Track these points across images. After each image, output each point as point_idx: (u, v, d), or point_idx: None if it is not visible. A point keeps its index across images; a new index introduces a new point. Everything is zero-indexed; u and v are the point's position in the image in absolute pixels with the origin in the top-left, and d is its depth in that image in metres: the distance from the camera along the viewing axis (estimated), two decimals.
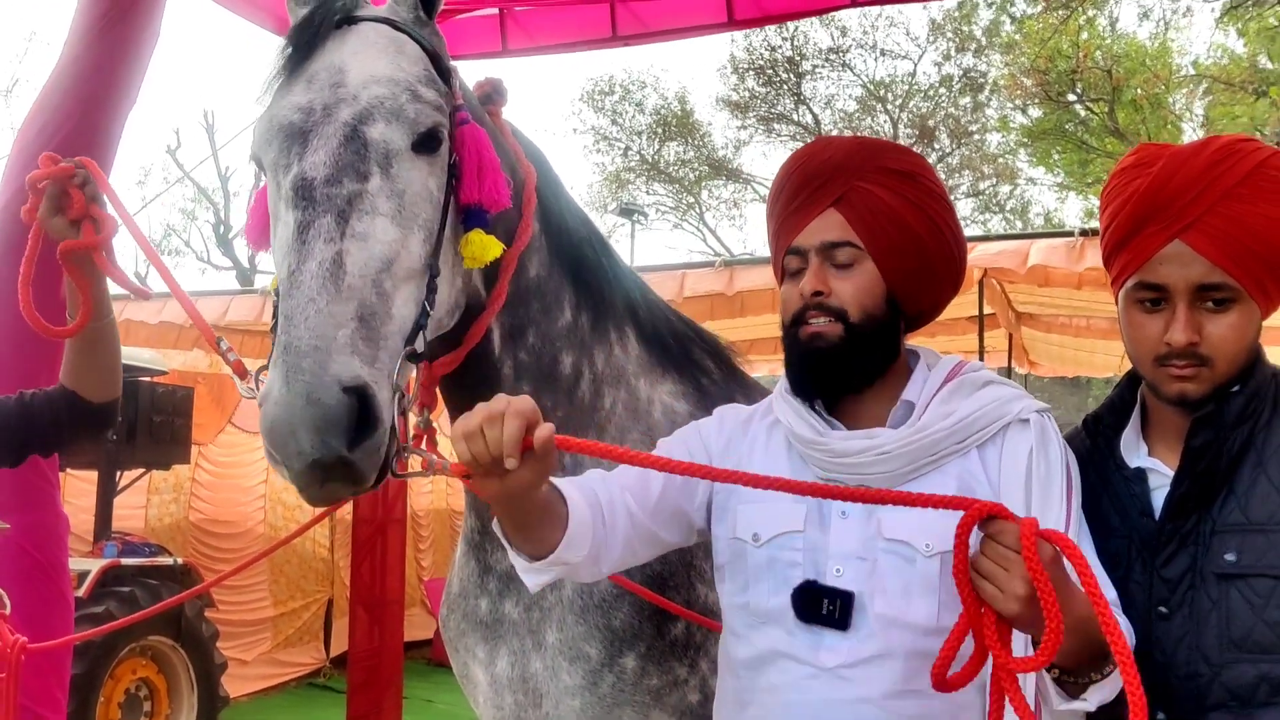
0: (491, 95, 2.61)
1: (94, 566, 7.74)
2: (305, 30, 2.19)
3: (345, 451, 1.81)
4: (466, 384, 2.49)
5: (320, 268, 1.92)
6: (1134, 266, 2.01)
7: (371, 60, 2.14)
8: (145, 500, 10.13)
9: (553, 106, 70.35)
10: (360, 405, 1.83)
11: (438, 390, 2.54)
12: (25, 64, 37.99)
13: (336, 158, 2.02)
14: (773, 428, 2.16)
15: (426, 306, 2.06)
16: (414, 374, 2.07)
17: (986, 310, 9.52)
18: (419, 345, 2.04)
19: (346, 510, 10.03)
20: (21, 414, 2.64)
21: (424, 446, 2.55)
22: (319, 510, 2.79)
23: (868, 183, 2.05)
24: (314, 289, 1.90)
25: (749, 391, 2.93)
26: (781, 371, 2.17)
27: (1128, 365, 2.18)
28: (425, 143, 2.11)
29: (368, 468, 1.87)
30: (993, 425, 2.00)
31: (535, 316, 2.53)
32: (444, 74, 2.26)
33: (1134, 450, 2.09)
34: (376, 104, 2.08)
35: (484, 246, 2.20)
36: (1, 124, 27.64)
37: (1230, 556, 1.90)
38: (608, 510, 2.03)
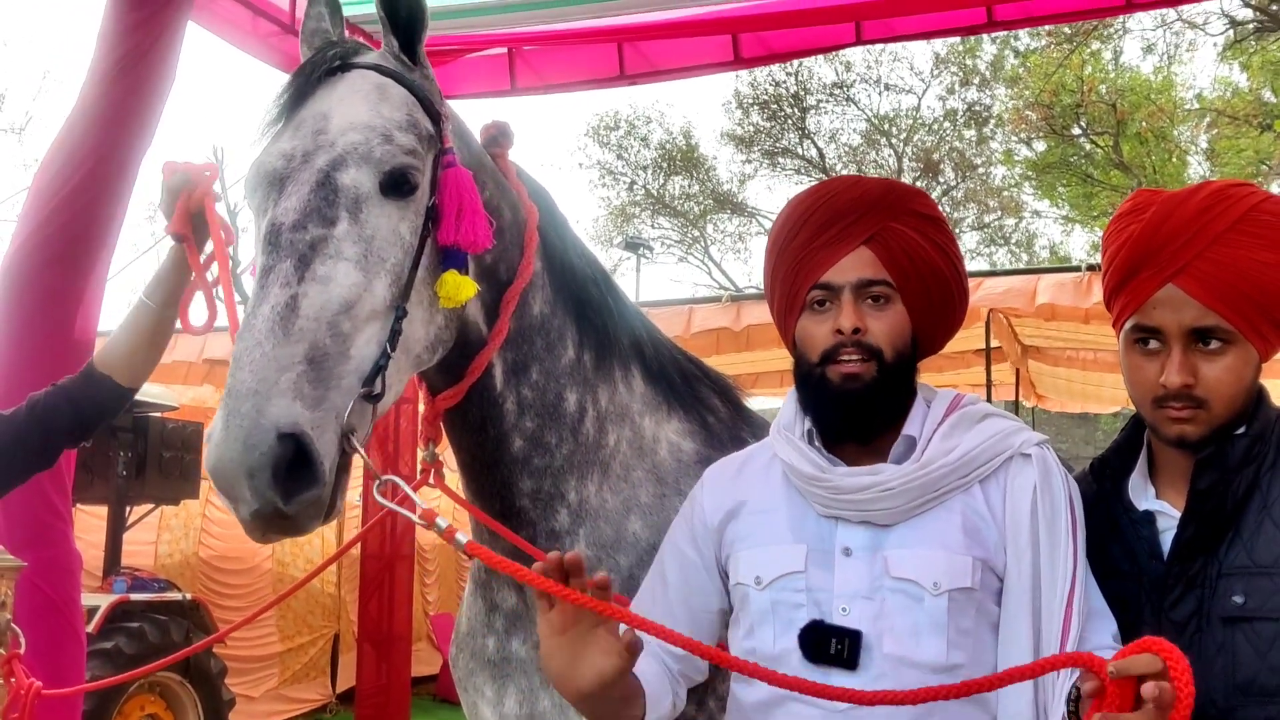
0: (497, 138, 2.66)
1: (103, 602, 7.73)
2: (299, 77, 2.27)
3: (281, 504, 1.87)
4: (469, 419, 2.52)
5: (273, 311, 1.96)
6: (1130, 309, 2.03)
7: (353, 106, 2.20)
8: (155, 536, 10.13)
9: (559, 141, 70.67)
10: (296, 453, 1.87)
11: (441, 424, 2.57)
12: (39, 102, 38.14)
13: (305, 203, 2.08)
14: (770, 465, 2.15)
15: (387, 348, 2.08)
16: (370, 417, 2.07)
17: (993, 344, 9.53)
18: (378, 387, 2.05)
19: (354, 546, 10.05)
20: (32, 416, 2.65)
21: (430, 480, 2.59)
22: (331, 551, 2.81)
23: (900, 224, 2.06)
24: (263, 332, 1.94)
25: (757, 430, 2.93)
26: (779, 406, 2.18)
27: None
28: (396, 186, 2.15)
29: (305, 520, 1.92)
30: (995, 459, 2.00)
31: (539, 353, 2.56)
32: (433, 118, 2.30)
33: (1141, 493, 2.10)
34: (350, 149, 2.13)
35: (458, 287, 2.21)
36: (14, 161, 27.77)
37: (1237, 599, 1.90)
38: (664, 656, 2.09)
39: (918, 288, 2.05)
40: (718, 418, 2.90)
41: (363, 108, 2.20)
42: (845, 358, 2.00)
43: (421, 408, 2.61)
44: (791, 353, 2.15)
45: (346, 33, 2.59)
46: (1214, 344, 1.96)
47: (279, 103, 2.26)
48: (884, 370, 2.00)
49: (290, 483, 1.88)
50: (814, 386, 2.05)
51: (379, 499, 2.00)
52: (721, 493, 2.20)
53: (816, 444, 2.07)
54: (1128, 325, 2.05)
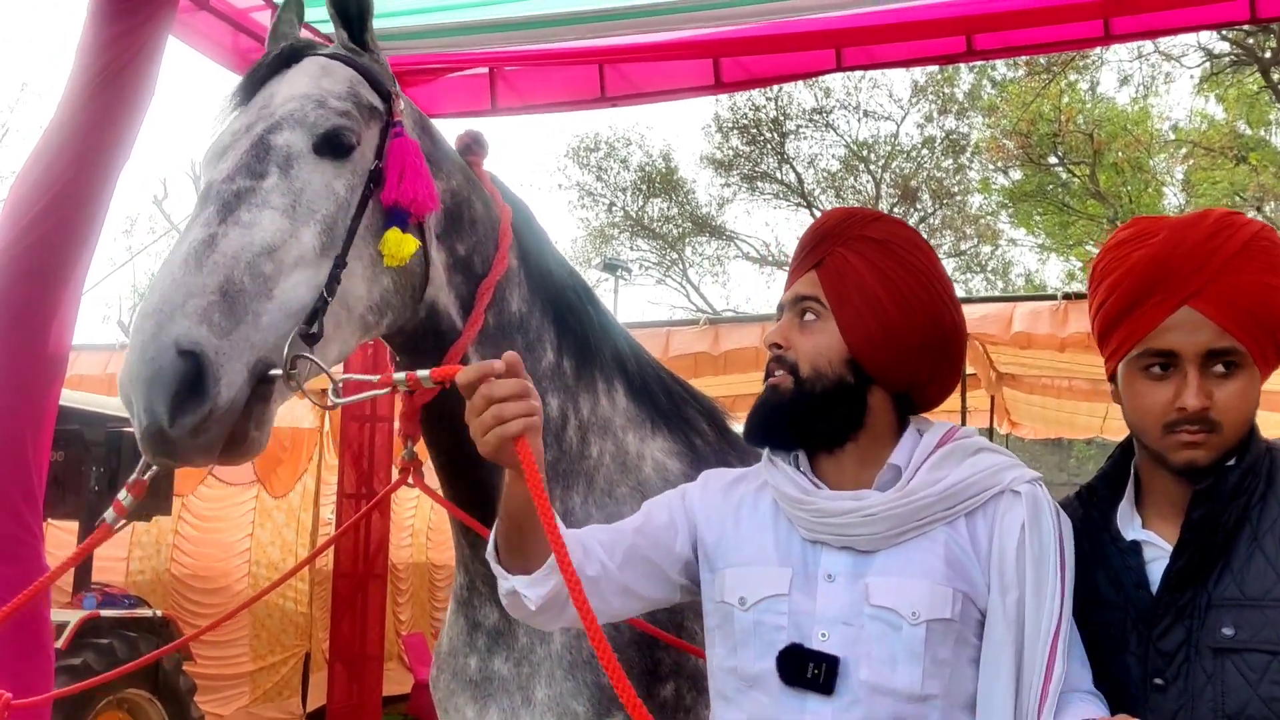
0: (471, 146, 2.73)
1: (73, 618, 7.66)
2: (254, 69, 2.39)
3: (165, 425, 1.87)
4: (446, 415, 2.50)
5: (190, 247, 2.03)
6: (1139, 335, 2.03)
7: (296, 83, 2.31)
8: (127, 552, 10.07)
9: (538, 162, 70.79)
10: (194, 372, 1.89)
11: (419, 423, 2.57)
12: (16, 114, 38.00)
13: (238, 161, 2.17)
14: (760, 490, 2.17)
15: (325, 294, 2.12)
16: (310, 357, 2.07)
17: (969, 370, 9.57)
18: (315, 328, 2.09)
19: (325, 563, 9.97)
20: None
21: (410, 480, 2.59)
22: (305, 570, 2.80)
23: (845, 249, 2.10)
24: (176, 263, 2.00)
25: (744, 455, 2.93)
26: None
27: (1109, 426, 2.21)
28: (330, 146, 2.24)
29: (190, 447, 1.92)
30: (982, 494, 2.00)
31: (519, 352, 2.56)
32: (383, 95, 2.39)
33: (1129, 522, 2.10)
34: (287, 115, 2.24)
35: (399, 244, 2.26)
36: None
37: (1227, 631, 1.91)
38: (586, 549, 2.07)
39: (849, 309, 2.07)
40: (705, 440, 2.91)
41: (304, 82, 2.31)
42: (772, 371, 2.10)
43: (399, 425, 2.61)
44: None
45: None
46: (1227, 367, 1.98)
47: (234, 94, 2.37)
48: (799, 384, 2.06)
49: (183, 401, 1.89)
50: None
51: (336, 399, 2.00)
52: (713, 495, 2.22)
53: (804, 469, 2.09)
54: (1135, 352, 2.04)
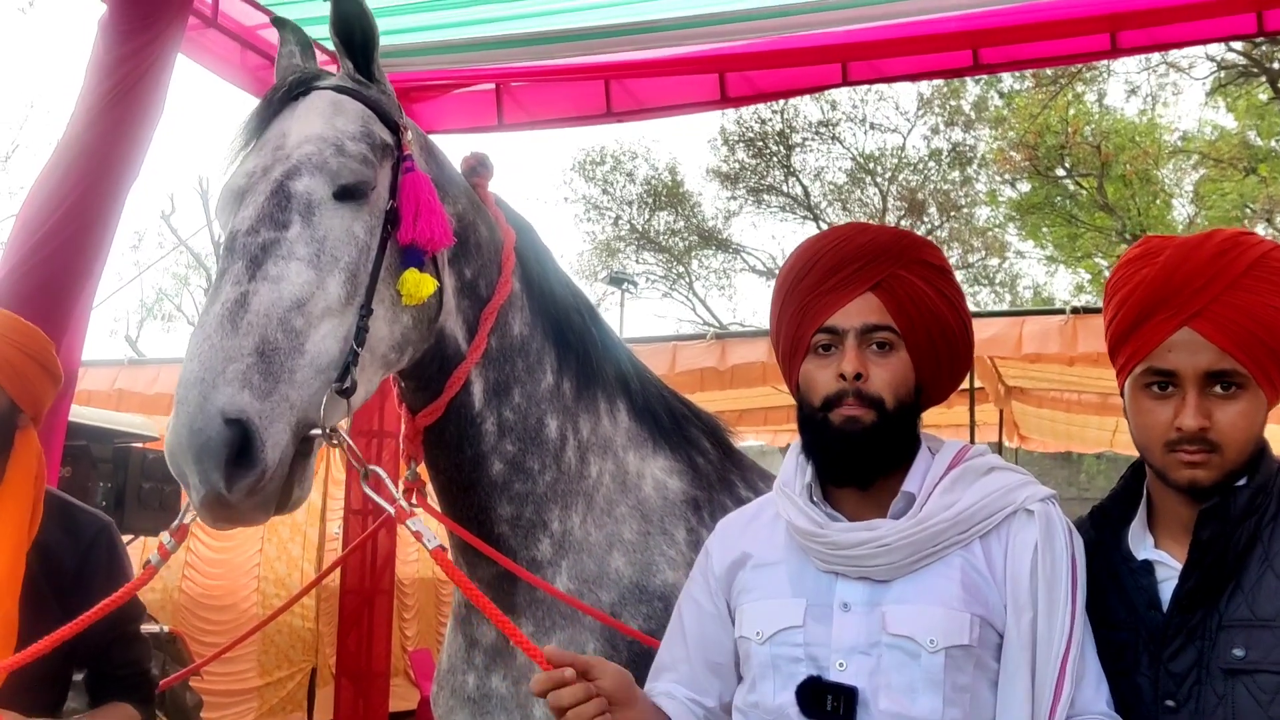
0: (476, 168, 2.74)
1: None
2: (264, 103, 2.38)
3: (224, 490, 1.92)
4: (446, 437, 2.54)
5: (223, 308, 2.04)
6: (1143, 353, 2.03)
7: (309, 122, 2.30)
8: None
9: (544, 176, 70.95)
10: (242, 439, 1.93)
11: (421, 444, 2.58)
12: (25, 131, 38.18)
13: (260, 210, 2.17)
14: (776, 519, 2.15)
15: (354, 345, 2.14)
16: (346, 410, 2.15)
17: (977, 384, 9.56)
18: (347, 382, 2.11)
19: (332, 579, 9.96)
20: None
21: (413, 500, 2.60)
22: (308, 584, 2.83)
23: (908, 272, 2.06)
24: (212, 327, 2.02)
25: (745, 473, 2.94)
26: (771, 444, 2.19)
27: (1119, 441, 2.21)
28: (349, 192, 2.24)
29: (247, 506, 1.98)
30: (996, 515, 1.98)
31: (520, 375, 2.59)
32: (392, 128, 2.40)
33: (1141, 542, 2.09)
34: (305, 159, 2.23)
35: (418, 284, 2.28)
36: (0, 190, 27.80)
37: (1238, 652, 1.90)
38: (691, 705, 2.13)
39: (922, 337, 2.04)
40: (707, 459, 2.90)
41: (317, 122, 2.30)
42: (848, 405, 1.99)
43: (403, 428, 2.62)
44: (795, 396, 2.14)
45: (318, 62, 2.67)
46: (1228, 388, 1.97)
47: (246, 128, 2.37)
48: (884, 418, 1.99)
49: (235, 469, 1.93)
50: (816, 430, 2.04)
51: (365, 489, 2.16)
52: (730, 544, 2.21)
53: (816, 499, 2.07)
54: (1138, 369, 2.04)
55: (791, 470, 2.13)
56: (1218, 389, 1.97)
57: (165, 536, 2.25)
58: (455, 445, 2.54)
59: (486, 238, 2.61)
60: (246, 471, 1.94)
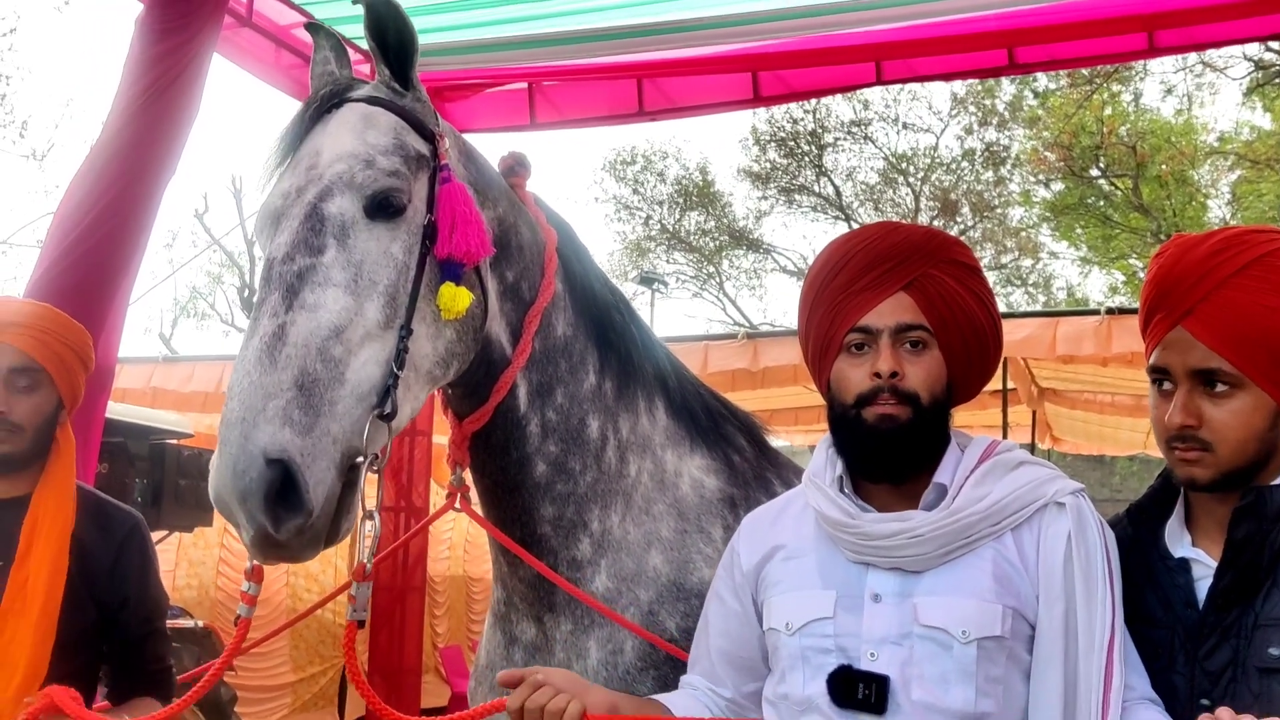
0: (514, 168, 2.72)
1: None
2: (297, 118, 2.35)
3: (273, 532, 1.92)
4: (493, 442, 2.54)
5: (261, 342, 2.03)
6: (1149, 351, 2.07)
7: (341, 138, 2.27)
8: (174, 566, 10.13)
9: (575, 176, 71.06)
10: (285, 479, 1.92)
11: (468, 449, 2.58)
12: (62, 130, 38.55)
13: (295, 235, 2.15)
14: (804, 511, 2.16)
15: (394, 367, 2.13)
16: (387, 435, 2.14)
17: (1010, 385, 9.50)
18: (388, 407, 2.10)
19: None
20: None
21: (458, 503, 2.61)
22: (344, 582, 2.86)
23: (940, 271, 2.08)
24: (250, 362, 2.01)
25: (781, 470, 2.94)
26: (802, 444, 2.20)
27: (1152, 442, 2.21)
28: (381, 208, 2.21)
29: (297, 545, 1.98)
30: (1028, 508, 1.99)
31: (563, 376, 2.59)
32: (428, 137, 2.36)
33: (1178, 540, 2.09)
34: (336, 179, 2.20)
35: (454, 298, 2.26)
36: (37, 188, 28.10)
37: (1274, 651, 1.89)
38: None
39: (954, 336, 2.06)
40: (743, 456, 2.90)
41: (349, 138, 2.27)
42: (882, 402, 2.01)
43: (436, 439, 2.63)
44: (825, 396, 2.15)
45: (352, 64, 2.65)
46: (1220, 387, 1.98)
47: (280, 144, 2.35)
48: (920, 415, 2.01)
49: (280, 509, 1.93)
50: (849, 428, 2.06)
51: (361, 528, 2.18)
52: (757, 539, 2.22)
53: (847, 491, 2.08)
54: (1147, 367, 2.08)
55: (822, 462, 2.15)
56: (1209, 387, 1.98)
57: (245, 583, 2.30)
58: (502, 449, 2.54)
59: (529, 239, 2.60)
60: (293, 514, 1.94)
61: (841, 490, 2.08)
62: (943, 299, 2.06)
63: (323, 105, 2.35)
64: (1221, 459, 1.97)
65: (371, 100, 2.36)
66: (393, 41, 2.37)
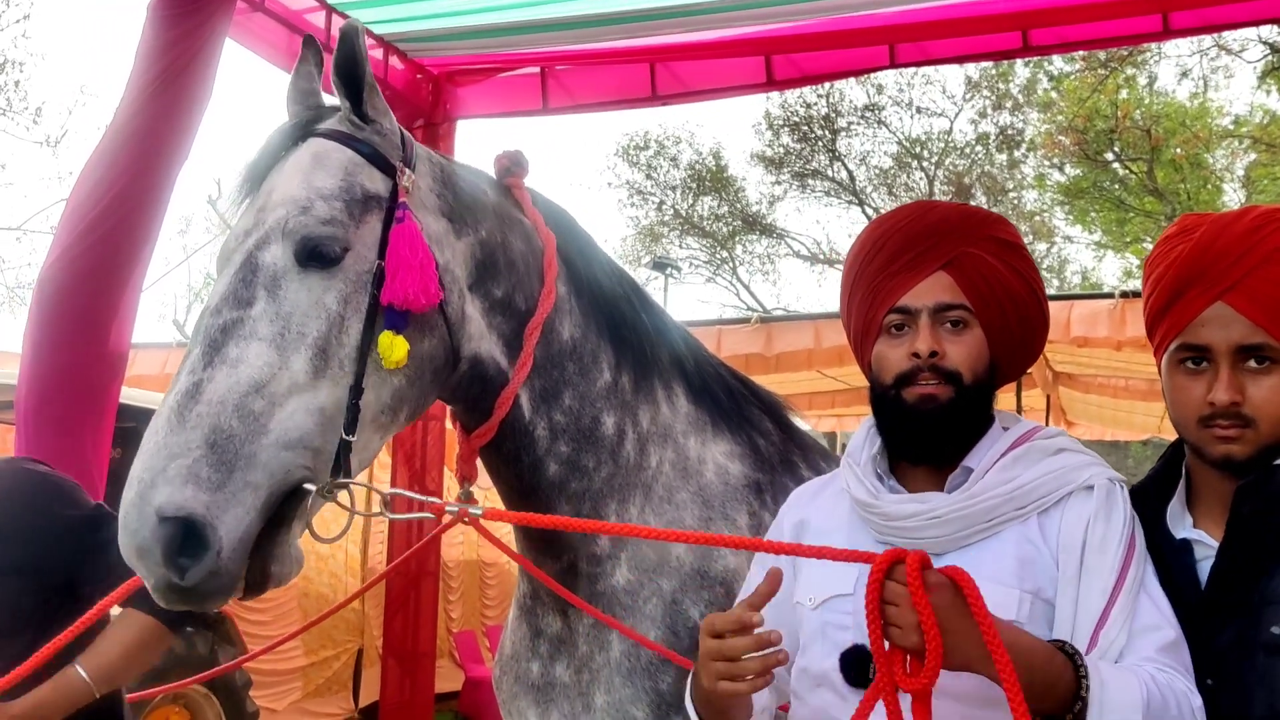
0: (510, 168, 2.68)
1: None
2: (264, 149, 2.31)
3: (176, 579, 1.90)
4: (504, 452, 2.54)
5: (174, 399, 1.99)
6: (1177, 329, 2.03)
7: (291, 180, 2.21)
8: None
9: (588, 160, 71.00)
10: (185, 533, 1.89)
11: (479, 462, 2.58)
12: (75, 116, 38.66)
13: (228, 287, 2.11)
14: (841, 493, 2.15)
15: (344, 433, 2.09)
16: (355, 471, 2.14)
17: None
18: (350, 442, 2.10)
19: (379, 561, 10.03)
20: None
21: (465, 519, 2.59)
22: (355, 566, 2.86)
23: (979, 249, 2.05)
24: (160, 421, 1.98)
25: (807, 453, 2.93)
26: (815, 429, 2.18)
27: (1166, 426, 2.19)
28: (314, 257, 2.14)
29: (205, 591, 1.93)
30: (1055, 493, 1.97)
31: (571, 378, 2.56)
32: (389, 171, 2.29)
33: (1179, 521, 2.08)
34: (274, 225, 2.15)
35: (390, 347, 2.17)
36: (50, 174, 28.19)
37: (1278, 630, 1.88)
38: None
39: (996, 313, 2.04)
40: (768, 440, 2.88)
41: (296, 180, 2.21)
42: (922, 381, 2.00)
43: (450, 424, 2.62)
44: (867, 376, 2.14)
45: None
46: (1262, 363, 1.96)
47: (247, 175, 2.30)
48: (962, 394, 1.99)
49: (184, 558, 1.90)
50: (889, 409, 2.05)
51: (386, 515, 2.22)
52: (798, 510, 2.23)
53: (879, 470, 2.07)
54: (1174, 345, 2.05)
55: (860, 441, 2.15)
56: (1251, 363, 1.97)
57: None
58: (513, 456, 2.53)
59: (522, 250, 2.54)
60: (198, 558, 1.90)
61: (876, 471, 2.07)
62: (982, 277, 2.03)
63: (286, 140, 2.30)
64: (1262, 435, 1.96)
65: (330, 135, 2.29)
66: (344, 74, 2.30)
